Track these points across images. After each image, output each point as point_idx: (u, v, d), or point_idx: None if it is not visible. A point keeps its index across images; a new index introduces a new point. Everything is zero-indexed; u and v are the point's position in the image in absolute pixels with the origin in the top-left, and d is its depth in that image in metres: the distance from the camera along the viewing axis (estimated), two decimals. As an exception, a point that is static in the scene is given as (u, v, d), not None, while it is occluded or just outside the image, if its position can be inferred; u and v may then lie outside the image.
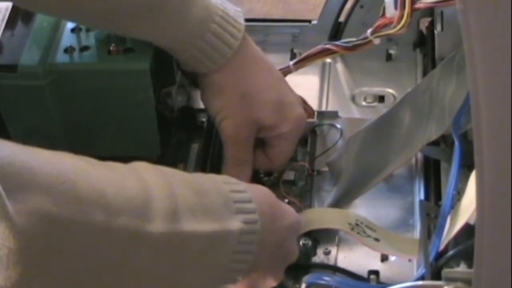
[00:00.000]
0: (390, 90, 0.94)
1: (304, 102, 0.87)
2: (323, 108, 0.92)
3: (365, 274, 0.75)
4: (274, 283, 0.71)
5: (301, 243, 0.77)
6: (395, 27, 0.82)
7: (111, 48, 0.78)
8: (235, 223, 0.63)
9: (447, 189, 0.72)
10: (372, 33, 0.83)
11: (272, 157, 0.82)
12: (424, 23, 0.95)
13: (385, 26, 0.83)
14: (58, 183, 0.52)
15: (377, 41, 0.84)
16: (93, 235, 0.53)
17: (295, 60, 0.88)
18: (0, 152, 0.50)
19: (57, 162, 0.54)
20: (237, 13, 0.78)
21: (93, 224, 0.53)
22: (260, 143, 0.82)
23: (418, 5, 0.81)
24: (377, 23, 0.83)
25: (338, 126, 0.88)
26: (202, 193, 0.62)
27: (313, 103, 0.90)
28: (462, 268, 0.66)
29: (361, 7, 0.96)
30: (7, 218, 0.49)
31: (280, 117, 0.80)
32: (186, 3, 0.75)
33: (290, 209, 0.73)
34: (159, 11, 0.74)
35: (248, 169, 0.81)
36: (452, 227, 0.68)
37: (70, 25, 0.80)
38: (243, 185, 0.66)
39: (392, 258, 0.76)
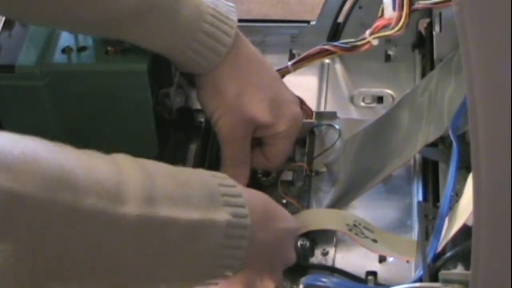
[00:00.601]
0: (389, 91, 0.94)
1: (302, 103, 0.87)
2: (322, 109, 0.92)
3: (363, 275, 0.75)
4: (271, 285, 0.70)
5: (299, 243, 0.76)
6: (393, 28, 0.82)
7: (109, 48, 0.77)
8: (221, 215, 0.62)
9: (445, 191, 0.72)
10: (371, 34, 0.83)
11: (269, 156, 0.82)
12: (422, 24, 0.95)
13: (384, 27, 0.83)
14: (20, 161, 0.51)
15: (375, 42, 0.84)
16: (59, 214, 0.52)
17: (293, 61, 0.88)
18: None
19: (22, 142, 0.53)
20: (229, 9, 0.78)
21: (59, 203, 0.52)
22: (257, 143, 0.82)
23: (416, 6, 0.81)
24: (375, 24, 0.83)
25: (337, 126, 0.88)
26: (185, 184, 0.61)
27: (312, 104, 0.90)
28: (459, 270, 0.66)
29: (360, 8, 0.96)
30: None
31: (276, 115, 0.80)
32: (175, 5, 0.74)
33: (287, 214, 0.72)
34: (148, 15, 0.73)
35: (246, 170, 0.81)
36: (450, 229, 0.68)
37: (68, 25, 0.80)
38: (232, 181, 0.65)
39: (390, 259, 0.76)
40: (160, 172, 0.61)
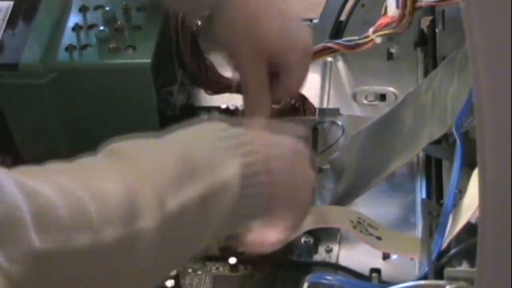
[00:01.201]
0: (391, 89, 0.94)
1: (305, 100, 0.87)
2: (325, 106, 0.92)
3: (366, 272, 0.75)
4: (298, 222, 0.70)
5: (302, 241, 0.77)
6: (396, 26, 0.82)
7: (112, 46, 0.77)
8: (233, 169, 0.61)
9: (449, 188, 0.72)
10: (374, 32, 0.83)
11: (287, 84, 0.82)
12: (425, 22, 0.95)
13: (387, 25, 0.83)
14: (40, 217, 0.52)
15: (378, 40, 0.84)
16: (86, 257, 0.53)
17: (296, 59, 0.88)
18: None
19: (36, 193, 0.53)
20: None
21: (82, 247, 0.53)
22: (275, 77, 0.82)
23: (419, 4, 0.81)
24: (378, 22, 0.83)
25: (340, 123, 0.88)
26: (189, 154, 0.61)
27: (315, 101, 0.90)
28: (464, 267, 0.66)
29: (362, 6, 0.96)
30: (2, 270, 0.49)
31: (286, 43, 0.80)
32: None
33: (287, 138, 0.71)
34: None
35: (267, 99, 0.81)
36: (454, 226, 0.68)
37: (71, 23, 0.80)
38: (240, 130, 0.65)
39: (393, 256, 0.76)
40: (164, 152, 0.61)
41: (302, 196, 0.69)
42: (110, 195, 0.56)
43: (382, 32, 0.83)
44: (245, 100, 0.82)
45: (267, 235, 0.67)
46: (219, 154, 0.62)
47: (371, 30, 0.83)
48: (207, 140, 0.63)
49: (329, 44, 0.87)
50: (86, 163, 0.59)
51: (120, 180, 0.57)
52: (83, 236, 0.53)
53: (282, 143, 0.69)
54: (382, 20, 0.83)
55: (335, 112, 0.89)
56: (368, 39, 0.84)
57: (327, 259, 0.78)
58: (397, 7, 0.81)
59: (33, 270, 0.51)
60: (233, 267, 0.77)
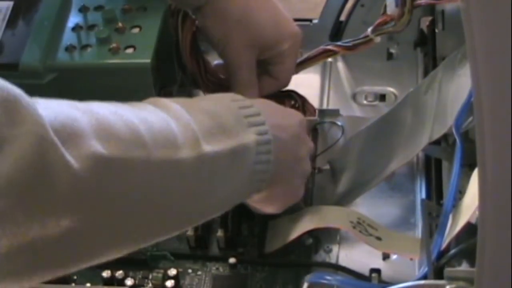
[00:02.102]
0: (391, 89, 0.94)
1: (305, 101, 0.87)
2: (324, 107, 0.92)
3: (366, 273, 0.75)
4: (305, 174, 0.75)
5: (302, 241, 0.77)
6: (395, 24, 0.82)
7: (112, 46, 0.78)
8: (250, 136, 0.66)
9: (449, 188, 0.72)
10: (373, 31, 0.83)
11: (277, 75, 0.84)
12: (425, 22, 0.95)
13: (386, 23, 0.82)
14: (100, 129, 0.55)
15: (377, 39, 0.84)
16: (138, 170, 0.57)
17: (296, 62, 0.88)
18: (43, 109, 0.52)
19: (91, 111, 0.56)
20: None
21: (137, 160, 0.56)
22: (264, 68, 0.84)
23: (419, 2, 0.81)
24: (377, 21, 0.83)
25: (340, 124, 0.88)
26: (215, 115, 0.65)
27: (314, 102, 0.90)
28: (464, 267, 0.66)
29: (362, 6, 0.96)
30: (66, 164, 0.51)
31: (278, 34, 0.82)
32: None
33: (292, 110, 0.78)
34: None
35: (255, 91, 0.83)
36: (454, 226, 0.68)
37: (71, 24, 0.80)
38: (248, 101, 0.70)
39: (393, 256, 0.77)
40: (193, 108, 0.64)
41: (304, 164, 0.74)
42: (155, 123, 0.60)
43: (381, 31, 0.83)
44: (233, 90, 0.82)
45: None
46: (240, 120, 0.67)
47: (370, 29, 0.83)
48: (229, 108, 0.68)
49: (329, 47, 0.87)
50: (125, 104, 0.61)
51: (161, 117, 0.61)
52: (139, 150, 0.57)
53: (288, 113, 0.75)
54: (381, 19, 0.82)
55: (335, 113, 0.89)
56: (367, 38, 0.84)
57: (327, 260, 0.78)
58: (396, 5, 0.81)
59: (93, 172, 0.53)
60: (233, 267, 0.77)
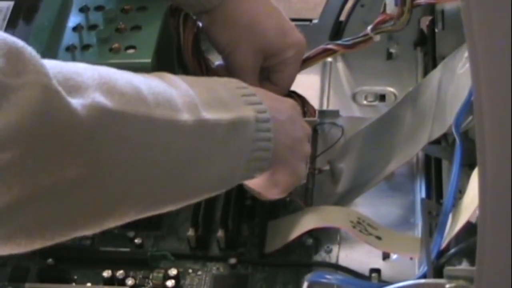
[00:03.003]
0: (391, 89, 0.94)
1: (305, 101, 0.87)
2: (324, 107, 0.93)
3: (366, 272, 0.75)
4: (303, 162, 0.76)
5: (302, 241, 0.77)
6: (395, 23, 0.82)
7: (113, 46, 0.78)
8: (250, 112, 0.67)
9: (449, 187, 0.72)
10: (372, 29, 0.83)
11: (278, 82, 0.85)
12: (424, 22, 0.95)
13: (385, 22, 0.83)
14: (103, 83, 0.57)
15: (377, 38, 0.84)
16: (140, 126, 0.58)
17: (296, 61, 0.88)
18: (47, 64, 0.54)
19: (94, 68, 0.58)
20: None
21: (139, 115, 0.58)
22: (265, 74, 0.85)
23: (418, 1, 0.81)
24: (377, 20, 0.83)
25: (339, 124, 0.88)
26: (213, 89, 0.67)
27: (314, 102, 0.90)
28: (464, 266, 0.66)
29: (362, 6, 0.96)
30: (71, 112, 0.53)
31: (284, 41, 0.83)
32: None
33: (284, 97, 0.79)
34: None
35: None
36: (454, 225, 0.68)
37: (71, 24, 0.80)
38: (244, 83, 0.71)
39: (393, 256, 0.77)
40: (193, 84, 0.66)
41: (303, 145, 0.75)
42: (156, 86, 0.61)
43: (381, 30, 0.83)
44: None
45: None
46: (238, 98, 0.68)
47: (369, 28, 0.83)
48: (226, 86, 0.69)
49: (329, 46, 0.87)
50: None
51: (162, 83, 0.63)
52: (141, 106, 0.58)
53: (281, 99, 0.76)
54: (381, 18, 0.82)
55: (335, 113, 0.90)
56: (367, 37, 0.84)
57: (327, 260, 0.78)
58: (396, 4, 0.81)
59: (98, 121, 0.54)
60: (233, 268, 0.77)
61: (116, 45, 0.77)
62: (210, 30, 0.82)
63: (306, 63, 0.88)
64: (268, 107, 0.70)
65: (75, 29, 0.80)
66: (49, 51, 0.77)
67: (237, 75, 0.82)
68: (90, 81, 0.56)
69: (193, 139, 0.62)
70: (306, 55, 0.88)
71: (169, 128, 0.60)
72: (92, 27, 0.80)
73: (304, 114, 0.87)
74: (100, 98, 0.55)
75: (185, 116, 0.61)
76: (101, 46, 0.78)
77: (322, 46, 0.87)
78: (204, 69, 0.85)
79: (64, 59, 0.77)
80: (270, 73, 0.85)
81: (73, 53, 0.78)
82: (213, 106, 0.65)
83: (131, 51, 0.77)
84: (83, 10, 0.81)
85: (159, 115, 0.59)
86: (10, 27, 0.81)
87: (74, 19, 0.81)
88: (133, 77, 0.61)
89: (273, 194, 0.76)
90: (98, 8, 0.81)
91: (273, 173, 0.72)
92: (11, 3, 0.82)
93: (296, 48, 0.84)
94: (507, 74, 0.46)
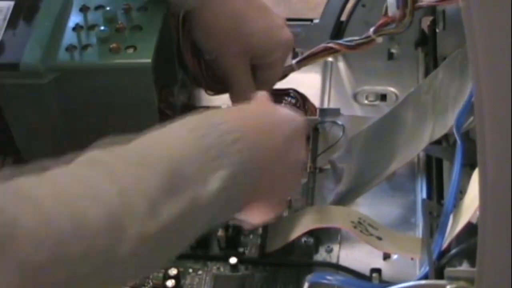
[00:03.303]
0: (392, 89, 0.94)
1: (306, 100, 0.87)
2: (325, 106, 0.92)
3: (367, 272, 0.75)
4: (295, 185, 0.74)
5: (303, 241, 0.77)
6: (397, 25, 0.82)
7: (112, 46, 0.77)
8: (216, 183, 0.60)
9: (450, 188, 0.72)
10: (375, 32, 0.83)
11: (264, 80, 0.84)
12: (426, 22, 0.95)
13: (387, 24, 0.83)
14: (41, 238, 0.51)
15: (379, 40, 0.84)
16: (73, 268, 0.53)
17: (297, 59, 0.88)
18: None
19: (38, 206, 0.52)
20: None
21: (71, 257, 0.52)
22: (252, 72, 0.84)
23: (420, 4, 0.81)
24: (379, 22, 0.83)
25: (340, 123, 0.88)
26: (170, 170, 0.59)
27: (315, 102, 0.90)
28: (464, 267, 0.66)
29: (363, 6, 0.96)
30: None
31: (271, 43, 0.83)
32: None
33: (289, 114, 0.70)
34: None
35: (253, 89, 0.82)
36: (455, 226, 0.68)
37: (71, 23, 0.80)
38: (220, 118, 0.63)
39: (394, 256, 0.77)
40: (150, 164, 0.59)
41: (289, 182, 0.71)
42: (94, 219, 0.54)
43: (383, 32, 0.83)
44: (233, 99, 0.84)
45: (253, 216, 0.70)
46: (205, 164, 0.60)
47: (371, 30, 0.83)
48: (191, 146, 0.61)
49: (330, 44, 0.87)
50: (66, 179, 0.56)
51: (104, 203, 0.55)
52: (74, 245, 0.52)
53: (277, 124, 0.68)
54: (383, 20, 0.82)
55: (336, 112, 0.90)
56: (369, 39, 0.84)
57: (328, 259, 0.78)
58: (398, 7, 0.81)
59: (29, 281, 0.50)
60: (234, 267, 0.77)
61: (116, 45, 0.77)
62: (196, 31, 0.82)
63: (307, 60, 0.88)
64: (254, 143, 0.63)
65: (75, 29, 0.80)
66: (49, 51, 0.77)
67: (228, 77, 0.83)
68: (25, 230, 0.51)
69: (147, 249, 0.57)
70: (307, 53, 0.88)
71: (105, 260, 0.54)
72: (92, 27, 0.80)
73: (305, 112, 0.87)
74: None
75: (132, 231, 0.55)
76: (101, 46, 0.78)
77: (323, 45, 0.87)
78: (203, 69, 0.85)
79: (64, 59, 0.77)
80: (257, 71, 0.84)
81: (72, 53, 0.78)
82: (167, 199, 0.57)
83: (131, 51, 0.77)
84: (83, 10, 0.81)
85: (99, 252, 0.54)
86: (11, 27, 0.81)
87: (74, 19, 0.81)
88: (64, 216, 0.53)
89: (256, 220, 0.72)
90: (98, 8, 0.81)
91: (257, 204, 0.68)
92: (12, 3, 0.82)
93: (284, 48, 0.83)
94: (507, 74, 0.46)
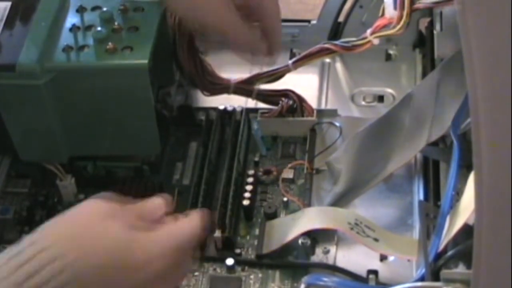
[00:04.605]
0: (390, 90, 0.94)
1: (303, 101, 0.87)
2: (323, 107, 0.92)
3: (364, 274, 0.75)
4: None
5: (300, 242, 0.77)
6: (394, 27, 0.82)
7: (109, 46, 0.77)
8: None
9: (446, 190, 0.72)
10: (372, 33, 0.83)
11: (261, 16, 0.80)
12: (423, 23, 0.95)
13: (385, 26, 0.82)
14: None
15: (376, 41, 0.84)
16: None
17: (294, 59, 0.88)
18: None
19: None
20: None
21: None
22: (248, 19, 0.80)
23: (417, 5, 0.81)
24: (376, 24, 0.83)
25: (338, 124, 0.88)
26: None
27: (313, 103, 0.90)
28: (460, 269, 0.66)
29: (361, 7, 0.96)
30: None
31: None
32: None
33: (149, 254, 0.62)
34: None
35: (245, 28, 0.79)
36: (451, 228, 0.68)
37: (68, 24, 0.80)
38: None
39: (391, 258, 0.76)
40: None
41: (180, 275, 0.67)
42: None
43: (380, 34, 0.83)
44: (236, 50, 0.81)
45: None
46: None
47: (368, 31, 0.83)
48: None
49: (327, 45, 0.87)
50: None
51: None
52: None
53: (148, 260, 0.61)
54: (380, 22, 0.82)
55: (333, 113, 0.89)
56: (366, 40, 0.84)
57: (324, 261, 0.77)
58: (395, 8, 0.81)
59: None
60: (230, 268, 0.77)
61: (112, 45, 0.77)
62: (178, 12, 0.80)
63: (303, 61, 0.87)
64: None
65: (71, 29, 0.80)
66: (46, 52, 0.77)
67: (224, 32, 0.78)
68: None
69: None
70: (304, 53, 0.88)
71: None
72: (89, 27, 0.80)
73: (302, 113, 0.87)
74: None
75: None
76: (97, 47, 0.78)
77: (320, 45, 0.87)
78: (200, 70, 0.85)
79: (61, 60, 0.77)
80: (251, 13, 0.80)
81: (69, 53, 0.78)
82: None
83: (127, 51, 0.77)
84: (79, 10, 0.81)
85: None
86: (7, 27, 0.80)
87: (70, 19, 0.81)
88: None
89: None
90: (95, 8, 0.81)
91: None
92: (8, 4, 0.82)
93: None
94: (503, 76, 0.46)
